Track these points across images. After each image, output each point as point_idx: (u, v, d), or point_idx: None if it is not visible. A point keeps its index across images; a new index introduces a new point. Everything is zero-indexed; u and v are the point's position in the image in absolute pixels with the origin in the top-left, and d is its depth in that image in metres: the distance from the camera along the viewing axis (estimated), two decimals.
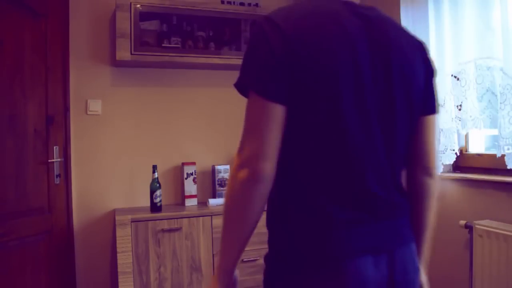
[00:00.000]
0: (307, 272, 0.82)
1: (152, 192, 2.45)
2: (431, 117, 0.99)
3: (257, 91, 0.84)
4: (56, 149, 2.38)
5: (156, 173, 2.48)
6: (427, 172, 1.00)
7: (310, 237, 0.84)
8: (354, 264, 0.81)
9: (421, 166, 1.00)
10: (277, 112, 0.83)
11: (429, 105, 0.99)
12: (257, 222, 0.87)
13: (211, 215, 2.42)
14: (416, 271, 0.93)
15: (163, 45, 2.52)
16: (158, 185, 2.46)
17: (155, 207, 2.44)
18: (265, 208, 0.90)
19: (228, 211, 0.88)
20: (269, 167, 0.83)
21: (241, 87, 0.89)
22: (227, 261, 0.90)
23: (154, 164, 2.53)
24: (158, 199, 2.46)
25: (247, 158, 0.83)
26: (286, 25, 0.84)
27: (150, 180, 2.48)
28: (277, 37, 0.84)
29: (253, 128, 0.85)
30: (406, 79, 0.91)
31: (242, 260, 2.44)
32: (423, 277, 1.03)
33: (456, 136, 2.01)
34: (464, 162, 2.15)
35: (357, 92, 0.85)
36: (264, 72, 0.83)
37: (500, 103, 1.71)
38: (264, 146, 0.82)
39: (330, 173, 0.86)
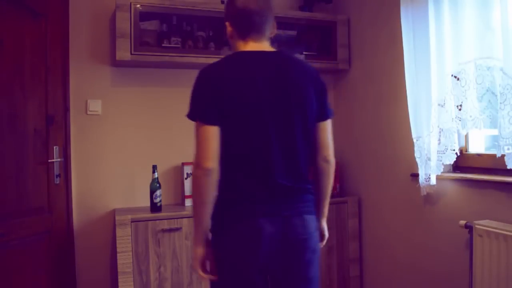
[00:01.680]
0: (228, 227, 1.39)
1: (152, 192, 2.45)
2: (325, 122, 1.47)
3: (200, 120, 1.35)
4: (56, 149, 2.38)
5: (156, 173, 2.48)
6: (325, 159, 1.49)
7: (233, 207, 1.38)
8: (254, 221, 1.35)
9: (321, 156, 1.48)
10: (214, 130, 1.33)
11: (323, 114, 1.46)
12: (211, 202, 1.37)
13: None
14: (310, 235, 1.42)
15: (163, 45, 2.52)
16: (158, 185, 2.46)
17: (155, 207, 2.44)
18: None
19: (193, 198, 1.40)
20: (212, 164, 1.33)
21: (190, 117, 1.39)
22: (198, 232, 1.40)
23: (154, 164, 2.52)
24: (158, 199, 2.46)
25: (198, 161, 1.35)
26: (213, 75, 1.38)
27: (150, 180, 2.48)
28: (207, 83, 1.37)
29: (200, 142, 1.35)
30: (301, 100, 1.39)
31: None
32: (324, 228, 1.59)
33: (456, 136, 2.01)
34: (464, 162, 2.15)
35: (260, 115, 1.35)
36: (202, 107, 1.35)
37: (500, 103, 1.71)
38: (208, 152, 1.34)
39: (247, 169, 1.37)
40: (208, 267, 1.43)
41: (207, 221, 1.39)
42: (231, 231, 1.38)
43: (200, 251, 1.41)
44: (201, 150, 1.35)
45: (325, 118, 1.47)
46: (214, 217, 1.40)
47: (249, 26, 1.44)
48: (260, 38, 1.45)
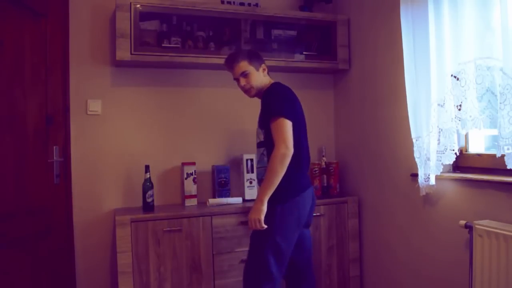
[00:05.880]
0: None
1: (145, 192, 2.46)
2: None
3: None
4: (56, 149, 2.38)
5: (148, 173, 2.48)
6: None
7: (298, 183, 2.10)
8: (309, 190, 2.08)
9: None
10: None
11: None
12: None
13: (211, 215, 2.43)
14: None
15: (163, 45, 2.52)
16: (150, 185, 2.47)
17: (147, 207, 2.46)
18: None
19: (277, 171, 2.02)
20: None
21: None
22: (269, 195, 1.97)
23: (152, 164, 2.54)
24: (150, 199, 2.47)
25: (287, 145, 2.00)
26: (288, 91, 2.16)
27: (143, 180, 2.50)
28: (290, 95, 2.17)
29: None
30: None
31: (242, 260, 2.44)
32: None
33: (456, 136, 2.01)
34: (464, 162, 2.15)
35: (304, 124, 2.16)
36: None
37: (500, 103, 1.71)
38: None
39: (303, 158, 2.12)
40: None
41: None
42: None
43: (265, 208, 1.92)
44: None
45: None
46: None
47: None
48: None
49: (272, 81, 2.18)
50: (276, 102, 1.98)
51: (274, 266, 1.98)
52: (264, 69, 2.15)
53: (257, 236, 2.02)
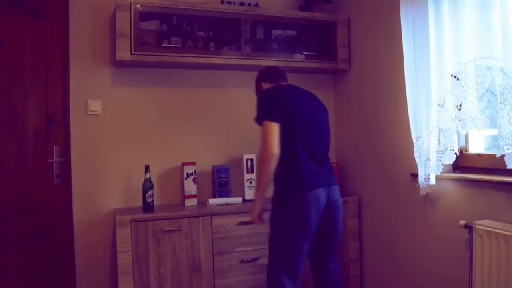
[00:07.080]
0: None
1: (145, 192, 2.46)
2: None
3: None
4: (56, 149, 2.38)
5: (148, 173, 2.48)
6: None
7: (296, 182, 1.96)
8: (315, 191, 1.93)
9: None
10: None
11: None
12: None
13: (211, 215, 2.42)
14: (339, 197, 2.06)
15: (163, 45, 2.52)
16: (150, 184, 2.47)
17: (147, 207, 2.46)
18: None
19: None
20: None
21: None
22: (262, 195, 2.01)
23: (152, 164, 2.54)
24: (150, 199, 2.46)
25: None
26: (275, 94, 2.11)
27: (143, 180, 2.50)
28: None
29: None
30: (322, 118, 2.14)
31: (242, 260, 2.44)
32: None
33: (455, 136, 2.01)
34: (464, 162, 2.15)
35: (307, 122, 2.03)
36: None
37: (500, 103, 1.71)
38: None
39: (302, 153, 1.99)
40: (262, 217, 2.07)
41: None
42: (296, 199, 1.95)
43: (259, 207, 2.02)
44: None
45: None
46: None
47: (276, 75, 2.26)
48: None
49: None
50: (259, 106, 2.02)
51: (285, 279, 1.95)
52: (264, 84, 2.24)
53: (269, 243, 2.02)
